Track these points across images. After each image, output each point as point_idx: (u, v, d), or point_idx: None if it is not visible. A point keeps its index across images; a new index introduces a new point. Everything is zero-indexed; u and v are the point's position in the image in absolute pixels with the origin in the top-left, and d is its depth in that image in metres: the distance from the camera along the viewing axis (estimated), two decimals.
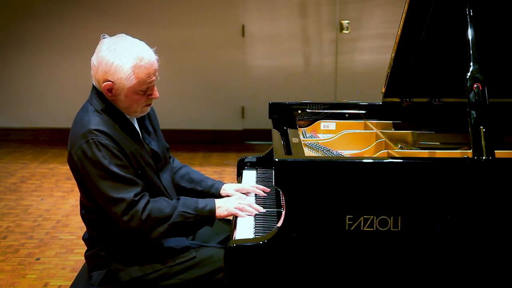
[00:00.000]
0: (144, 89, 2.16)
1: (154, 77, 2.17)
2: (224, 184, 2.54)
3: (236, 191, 2.50)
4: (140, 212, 2.12)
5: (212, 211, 2.22)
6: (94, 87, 2.23)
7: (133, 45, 2.16)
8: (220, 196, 2.48)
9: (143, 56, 2.14)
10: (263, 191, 2.48)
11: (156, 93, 2.22)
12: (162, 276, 2.23)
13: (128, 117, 2.24)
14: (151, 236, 2.16)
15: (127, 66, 2.11)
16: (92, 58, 2.19)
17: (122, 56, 2.11)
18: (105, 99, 2.20)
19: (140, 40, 2.23)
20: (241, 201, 2.30)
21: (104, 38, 2.20)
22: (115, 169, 2.11)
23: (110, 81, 2.13)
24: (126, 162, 2.16)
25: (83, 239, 2.38)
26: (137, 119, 2.30)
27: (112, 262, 2.25)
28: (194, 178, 2.55)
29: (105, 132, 2.13)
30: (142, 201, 2.13)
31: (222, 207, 2.25)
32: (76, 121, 2.22)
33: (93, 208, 2.23)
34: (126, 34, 2.24)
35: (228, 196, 2.47)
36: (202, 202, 2.23)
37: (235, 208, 2.25)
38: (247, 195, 2.47)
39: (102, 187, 2.12)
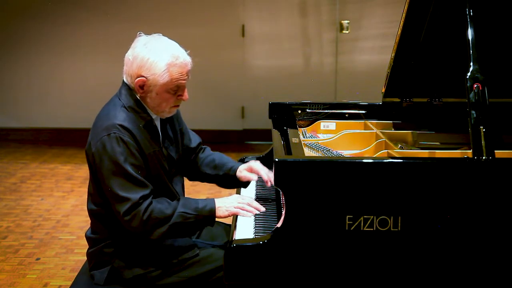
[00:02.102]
0: (175, 89, 2.19)
1: (186, 77, 2.21)
2: (240, 165, 2.51)
3: (247, 170, 2.47)
4: (141, 213, 2.12)
5: (212, 210, 2.22)
6: (124, 83, 2.24)
7: (169, 44, 2.19)
8: (235, 179, 2.49)
9: (178, 55, 2.18)
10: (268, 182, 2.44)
11: (186, 94, 2.25)
12: (164, 274, 2.24)
13: (153, 117, 2.25)
14: (152, 237, 2.16)
15: (162, 63, 2.14)
16: (126, 54, 2.20)
17: (158, 52, 2.14)
18: (134, 96, 2.21)
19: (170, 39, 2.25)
20: (241, 200, 2.30)
21: (140, 35, 2.23)
22: (129, 168, 2.12)
23: (143, 76, 2.15)
24: (142, 163, 2.17)
25: (86, 236, 2.37)
26: (160, 121, 2.31)
27: (115, 259, 2.25)
28: (217, 164, 2.53)
29: (128, 129, 2.15)
30: (145, 203, 2.14)
31: (222, 207, 2.24)
32: (102, 113, 2.23)
33: (102, 203, 2.24)
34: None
35: (241, 178, 2.47)
36: (202, 202, 2.23)
37: (235, 207, 2.25)
38: (258, 174, 2.45)
39: (112, 182, 2.13)
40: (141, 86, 2.18)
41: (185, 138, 2.50)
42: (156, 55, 2.14)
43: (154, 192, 2.20)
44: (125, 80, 2.24)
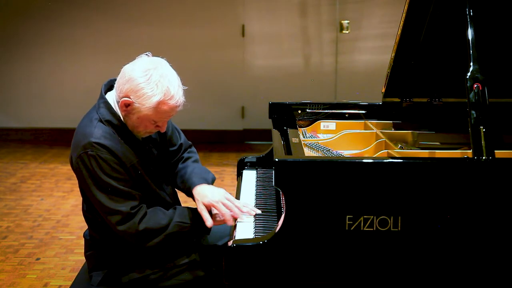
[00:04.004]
0: (156, 120, 2.14)
1: (172, 114, 2.15)
2: (196, 188, 2.29)
3: (204, 204, 2.21)
4: (137, 224, 2.12)
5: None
6: (102, 95, 2.19)
7: (169, 79, 2.10)
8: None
9: (173, 95, 2.10)
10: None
11: (164, 128, 2.19)
12: (162, 277, 2.24)
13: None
14: (146, 246, 2.16)
15: (154, 99, 2.08)
16: (125, 67, 2.13)
17: (154, 87, 2.07)
18: (112, 110, 2.16)
19: (174, 71, 2.16)
20: (236, 204, 2.26)
21: (147, 55, 2.16)
22: (112, 182, 2.10)
23: (130, 99, 2.09)
24: (126, 176, 2.14)
25: (84, 237, 2.37)
26: None
27: (111, 263, 2.25)
28: (184, 179, 2.37)
29: (105, 146, 2.10)
30: (139, 213, 2.13)
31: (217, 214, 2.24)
32: (80, 128, 2.18)
33: (92, 212, 2.23)
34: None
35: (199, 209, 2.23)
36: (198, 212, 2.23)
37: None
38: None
39: (99, 197, 2.11)
40: (126, 105, 2.12)
41: (168, 141, 2.43)
42: (151, 89, 2.07)
43: (144, 200, 2.19)
44: (114, 90, 2.17)
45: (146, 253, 2.24)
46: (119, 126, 2.16)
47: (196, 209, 2.24)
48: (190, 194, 2.33)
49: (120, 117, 2.16)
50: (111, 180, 2.10)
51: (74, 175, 2.21)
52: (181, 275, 2.25)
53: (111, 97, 2.19)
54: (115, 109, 2.17)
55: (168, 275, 2.24)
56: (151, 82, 2.07)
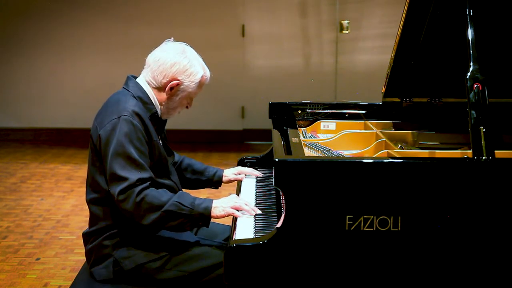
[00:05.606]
0: (192, 97, 2.38)
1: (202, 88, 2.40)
2: (224, 171, 2.72)
3: (236, 174, 2.72)
4: (135, 194, 2.14)
5: (208, 209, 2.21)
6: (132, 79, 2.35)
7: (197, 57, 2.38)
8: (219, 183, 2.71)
9: (207, 70, 2.39)
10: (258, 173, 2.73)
11: (191, 104, 2.42)
12: (163, 266, 2.24)
13: (158, 110, 2.34)
14: (142, 222, 2.17)
15: (199, 75, 2.34)
16: (159, 56, 2.33)
17: (197, 65, 2.34)
18: (143, 89, 2.32)
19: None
20: (237, 200, 2.30)
21: (169, 41, 2.42)
22: (132, 150, 2.18)
23: (179, 80, 2.31)
24: (146, 150, 2.24)
25: (84, 234, 2.36)
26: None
27: (115, 250, 2.25)
28: (197, 169, 2.69)
29: (139, 115, 2.24)
30: (141, 186, 2.17)
31: (218, 207, 2.24)
32: (112, 101, 2.32)
33: (101, 189, 2.25)
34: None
35: (229, 180, 2.71)
36: (199, 199, 2.23)
37: (232, 207, 2.25)
38: (246, 174, 2.73)
39: (113, 162, 2.17)
40: (171, 88, 2.31)
41: None
42: (195, 66, 2.32)
43: (156, 182, 2.24)
44: (144, 77, 2.33)
45: (149, 238, 2.26)
46: (148, 104, 2.31)
47: (195, 197, 2.25)
48: (210, 182, 2.69)
49: (149, 97, 2.32)
50: (132, 148, 2.18)
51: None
52: (181, 265, 2.25)
53: (140, 80, 2.36)
54: (144, 89, 2.33)
55: (169, 265, 2.24)
56: (192, 61, 2.33)
